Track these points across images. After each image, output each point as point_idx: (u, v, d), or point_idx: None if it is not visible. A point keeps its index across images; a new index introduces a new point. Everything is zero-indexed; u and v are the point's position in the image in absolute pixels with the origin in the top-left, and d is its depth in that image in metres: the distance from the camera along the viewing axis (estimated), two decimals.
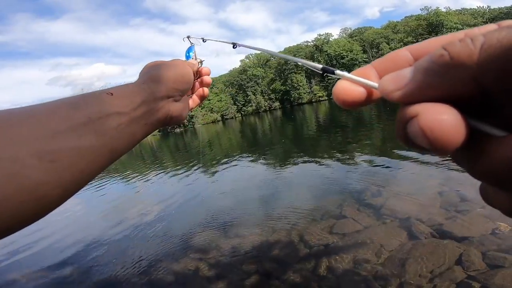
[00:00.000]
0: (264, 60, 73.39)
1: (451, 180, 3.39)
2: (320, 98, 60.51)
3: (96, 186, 9.01)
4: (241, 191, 4.87)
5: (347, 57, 56.72)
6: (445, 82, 0.14)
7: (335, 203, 3.34)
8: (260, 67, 72.20)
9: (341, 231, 2.70)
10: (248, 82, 70.50)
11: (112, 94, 0.33)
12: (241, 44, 0.57)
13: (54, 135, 0.24)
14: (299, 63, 0.27)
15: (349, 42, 58.91)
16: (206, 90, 0.56)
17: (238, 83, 72.39)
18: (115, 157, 0.32)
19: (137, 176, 9.37)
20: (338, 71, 0.21)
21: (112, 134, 0.30)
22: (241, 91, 72.45)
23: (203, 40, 0.69)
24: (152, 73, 0.42)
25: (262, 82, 69.96)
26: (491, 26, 0.16)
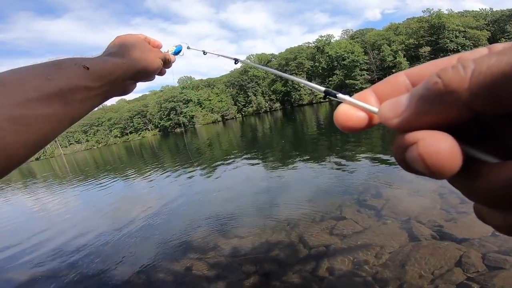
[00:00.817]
0: (265, 61, 73.42)
1: None
2: (321, 100, 60.47)
3: (98, 185, 9.00)
4: (241, 192, 4.87)
5: (348, 58, 56.67)
6: (440, 108, 0.14)
7: (335, 204, 3.34)
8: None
9: (341, 232, 2.69)
10: (249, 83, 70.49)
11: (88, 68, 0.36)
12: (243, 61, 0.58)
13: (26, 102, 0.27)
14: (302, 84, 0.28)
15: (350, 43, 58.92)
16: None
17: (239, 83, 72.37)
18: (73, 123, 0.35)
19: (137, 175, 9.36)
20: (340, 95, 0.21)
21: (76, 104, 0.33)
22: (242, 92, 72.44)
23: (203, 53, 0.69)
24: (133, 56, 0.46)
25: (263, 83, 69.97)
26: (483, 51, 0.16)
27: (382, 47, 53.56)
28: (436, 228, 2.44)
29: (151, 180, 7.74)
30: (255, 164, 7.17)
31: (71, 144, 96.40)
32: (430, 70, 0.18)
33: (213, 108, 74.97)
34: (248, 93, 70.41)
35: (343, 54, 57.19)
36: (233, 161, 7.96)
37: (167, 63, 0.59)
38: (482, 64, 0.13)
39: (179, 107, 76.33)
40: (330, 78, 59.98)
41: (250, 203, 4.10)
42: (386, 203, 3.12)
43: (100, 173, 12.73)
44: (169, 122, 78.22)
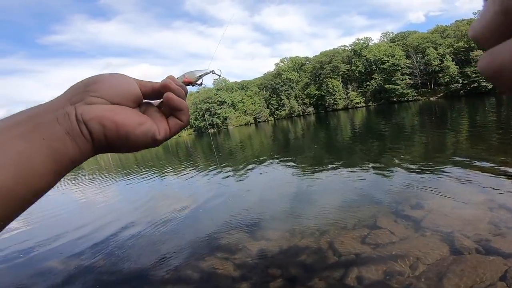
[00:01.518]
0: (299, 64, 72.76)
1: (503, 195, 3.08)
2: (357, 105, 58.32)
3: (137, 180, 9.61)
4: (270, 195, 4.88)
5: (388, 62, 53.98)
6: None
7: (369, 213, 3.21)
8: (295, 71, 71.67)
9: (374, 241, 2.58)
10: (282, 86, 70.35)
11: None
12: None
13: None
14: None
15: (391, 46, 56.05)
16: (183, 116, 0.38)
17: (272, 86, 72.54)
18: None
19: (172, 173, 9.80)
20: None
21: None
22: (275, 95, 72.46)
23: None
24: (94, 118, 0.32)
25: (296, 86, 69.37)
26: None
27: (427, 50, 50.17)
28: (482, 242, 2.25)
29: (185, 179, 8.06)
30: (286, 167, 7.13)
31: None
32: None
33: (246, 110, 75.98)
34: (281, 96, 70.24)
35: (383, 58, 54.59)
36: (264, 163, 8.00)
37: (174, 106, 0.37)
38: None
39: (214, 108, 78.56)
40: (368, 83, 57.60)
41: (279, 206, 4.09)
42: (427, 214, 2.93)
43: (140, 169, 13.55)
44: (204, 122, 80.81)
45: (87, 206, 6.78)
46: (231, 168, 8.15)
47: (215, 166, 9.04)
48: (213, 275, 2.55)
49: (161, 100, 0.38)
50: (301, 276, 2.29)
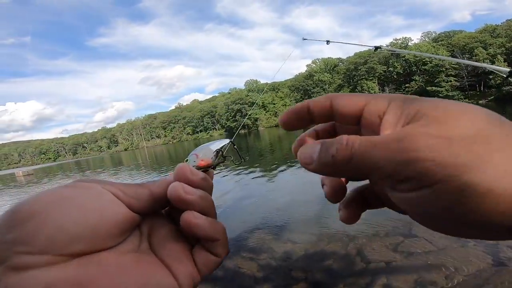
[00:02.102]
0: (331, 65, 71.07)
1: None
2: None
3: (161, 175, 10.09)
4: (300, 196, 4.86)
5: (431, 63, 50.66)
6: (333, 171, 0.20)
7: (404, 220, 3.07)
8: (327, 73, 70.12)
9: (408, 250, 2.48)
10: (314, 88, 69.24)
11: None
12: (384, 48, 0.53)
13: None
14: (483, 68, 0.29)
15: (434, 46, 52.48)
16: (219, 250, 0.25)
17: (303, 88, 71.74)
18: None
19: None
20: None
21: None
22: (306, 97, 71.49)
23: (327, 43, 0.56)
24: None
25: (328, 88, 67.82)
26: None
27: (476, 50, 46.25)
28: None
29: (214, 178, 8.29)
30: None
31: (152, 138, 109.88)
32: (349, 108, 0.23)
33: (276, 112, 75.96)
34: (313, 98, 69.06)
35: (424, 59, 51.30)
36: (294, 165, 7.97)
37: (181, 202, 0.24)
38: (359, 154, 0.18)
39: (245, 109, 79.59)
40: (407, 84, 54.58)
41: (308, 209, 4.07)
42: None
43: (173, 165, 14.20)
44: (235, 123, 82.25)
45: None
46: (260, 169, 8.24)
47: (243, 167, 9.19)
48: (237, 274, 2.59)
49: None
50: (325, 281, 2.27)
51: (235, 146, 0.33)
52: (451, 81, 48.69)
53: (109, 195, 0.22)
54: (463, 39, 49.41)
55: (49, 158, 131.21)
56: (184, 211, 0.23)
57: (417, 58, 52.36)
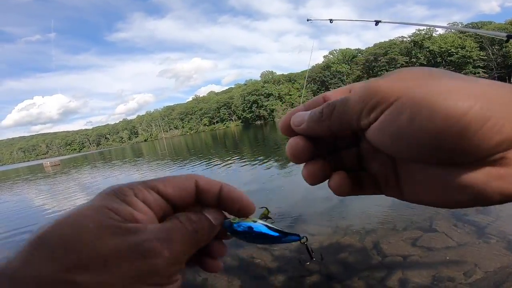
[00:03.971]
0: (350, 56, 68.96)
1: None
2: None
3: (186, 167, 10.33)
4: (315, 188, 4.82)
5: (457, 54, 48.03)
6: (320, 128, 0.25)
7: (425, 215, 3.01)
8: (345, 64, 68.18)
9: (427, 245, 2.44)
10: (331, 79, 67.70)
11: None
12: (387, 21, 0.55)
13: None
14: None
15: (460, 37, 49.63)
16: None
17: (320, 79, 70.29)
18: None
19: (218, 162, 10.29)
20: None
21: None
22: (324, 88, 70.11)
23: (330, 21, 0.55)
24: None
25: (347, 79, 66.11)
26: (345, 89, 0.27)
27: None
28: None
29: (230, 168, 8.41)
30: None
31: (170, 129, 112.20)
32: (338, 95, 0.26)
33: (293, 103, 75.07)
34: (330, 89, 66.90)
35: (450, 49, 48.71)
36: None
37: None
38: (338, 106, 0.23)
39: (261, 100, 79.26)
40: None
41: (323, 201, 4.05)
42: (494, 221, 2.65)
43: (190, 156, 14.50)
44: (251, 114, 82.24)
45: None
46: (276, 160, 8.25)
47: (261, 158, 9.23)
48: (251, 264, 2.62)
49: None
50: (340, 273, 2.28)
51: (306, 243, 0.31)
52: (479, 72, 46.08)
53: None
54: (492, 31, 46.36)
55: (74, 149, 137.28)
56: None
57: (442, 49, 49.77)
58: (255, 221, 0.28)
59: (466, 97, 0.17)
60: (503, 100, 0.18)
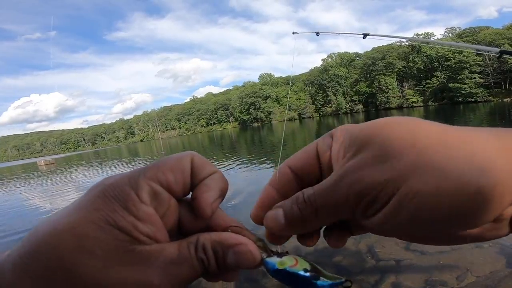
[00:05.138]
0: (348, 60, 69.43)
1: None
2: (414, 104, 53.86)
3: None
4: None
5: (454, 59, 48.56)
6: (306, 229, 0.23)
7: None
8: (343, 67, 68.61)
9: (421, 248, 2.44)
10: (329, 82, 68.01)
11: None
12: (372, 35, 0.53)
13: None
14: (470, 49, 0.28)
15: (457, 42, 50.18)
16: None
17: (318, 82, 70.58)
18: None
19: (214, 162, 10.27)
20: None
21: None
22: (321, 91, 70.47)
23: (317, 34, 0.47)
24: None
25: (344, 82, 66.49)
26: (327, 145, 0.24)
27: (502, 47, 43.81)
28: None
29: (226, 169, 8.38)
30: None
31: (167, 130, 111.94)
32: (306, 161, 0.25)
33: (290, 106, 75.32)
34: (328, 92, 68.00)
35: (447, 54, 49.28)
36: None
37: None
38: (321, 204, 0.21)
39: (258, 102, 79.40)
40: (428, 81, 52.63)
41: None
42: None
43: None
44: (248, 116, 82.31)
45: None
46: (272, 162, 8.24)
47: (258, 160, 9.22)
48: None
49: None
50: None
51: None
52: (475, 78, 46.57)
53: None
54: (490, 36, 46.94)
55: (69, 148, 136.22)
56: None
57: (439, 54, 50.32)
58: (306, 270, 0.24)
59: (478, 172, 0.17)
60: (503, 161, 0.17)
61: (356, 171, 0.19)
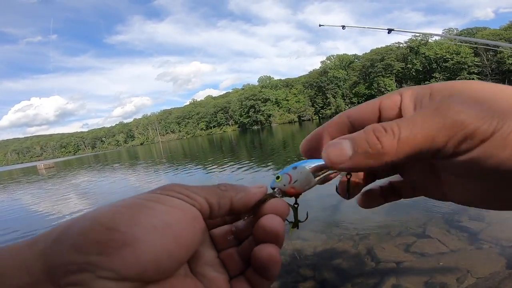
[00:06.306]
0: (347, 62, 69.66)
1: None
2: None
3: (182, 171, 10.28)
4: (309, 194, 4.83)
5: (452, 60, 48.79)
6: (375, 162, 0.19)
7: (418, 221, 3.03)
8: (342, 69, 68.80)
9: (420, 250, 2.45)
10: (328, 84, 68.18)
11: None
12: (398, 30, 0.54)
13: None
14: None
15: (455, 44, 50.44)
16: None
17: (317, 84, 70.74)
18: None
19: (215, 166, 10.26)
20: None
21: None
22: (320, 93, 70.60)
23: (342, 27, 0.54)
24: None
25: (343, 84, 66.64)
26: (397, 99, 0.22)
27: (500, 47, 44.01)
28: None
29: (225, 171, 8.38)
30: None
31: (167, 133, 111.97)
32: (367, 113, 0.23)
33: (290, 108, 75.44)
34: (327, 94, 68.14)
35: (445, 55, 49.49)
36: None
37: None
38: (406, 134, 0.18)
39: (258, 105, 79.51)
40: (427, 82, 52.82)
41: (318, 207, 4.05)
42: (487, 227, 2.68)
43: (186, 160, 14.45)
44: (248, 119, 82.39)
45: (136, 192, 7.47)
46: (272, 166, 8.24)
47: (256, 162, 9.22)
48: None
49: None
50: (333, 279, 2.27)
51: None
52: (473, 79, 46.77)
53: (193, 212, 0.20)
54: (487, 37, 47.16)
55: (69, 152, 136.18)
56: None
57: (438, 55, 50.54)
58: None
59: None
60: None
61: (451, 107, 0.18)
